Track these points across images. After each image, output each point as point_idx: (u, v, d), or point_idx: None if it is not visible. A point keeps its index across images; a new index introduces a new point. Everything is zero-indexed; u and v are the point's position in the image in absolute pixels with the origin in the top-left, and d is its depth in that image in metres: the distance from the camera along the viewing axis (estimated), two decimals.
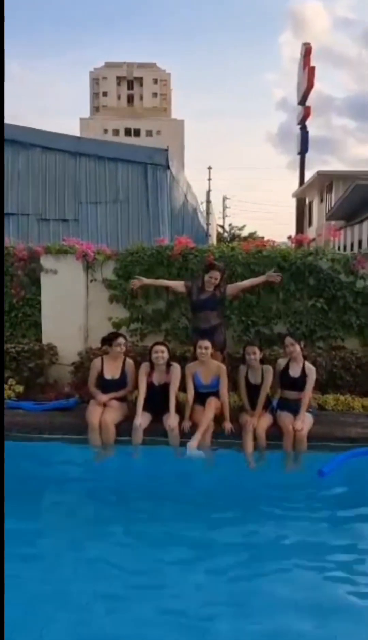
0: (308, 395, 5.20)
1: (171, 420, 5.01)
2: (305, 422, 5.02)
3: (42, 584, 3.28)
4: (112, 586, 3.29)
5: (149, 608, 3.07)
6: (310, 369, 5.26)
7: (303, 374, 5.21)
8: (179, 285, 6.07)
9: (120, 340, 5.43)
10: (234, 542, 3.80)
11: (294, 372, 5.24)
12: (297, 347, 5.19)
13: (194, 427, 5.04)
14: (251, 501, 4.45)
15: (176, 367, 5.32)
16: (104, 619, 2.98)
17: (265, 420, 5.10)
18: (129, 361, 5.50)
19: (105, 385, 5.35)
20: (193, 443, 4.84)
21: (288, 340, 5.24)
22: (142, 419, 5.03)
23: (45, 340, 6.74)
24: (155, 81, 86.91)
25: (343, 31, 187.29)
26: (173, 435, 4.96)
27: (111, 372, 5.41)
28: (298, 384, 5.22)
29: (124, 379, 5.41)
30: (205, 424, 4.95)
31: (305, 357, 5.38)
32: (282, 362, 5.35)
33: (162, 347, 5.29)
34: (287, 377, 5.26)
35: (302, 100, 27.17)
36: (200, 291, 5.81)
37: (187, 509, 4.31)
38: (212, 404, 5.12)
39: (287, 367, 5.28)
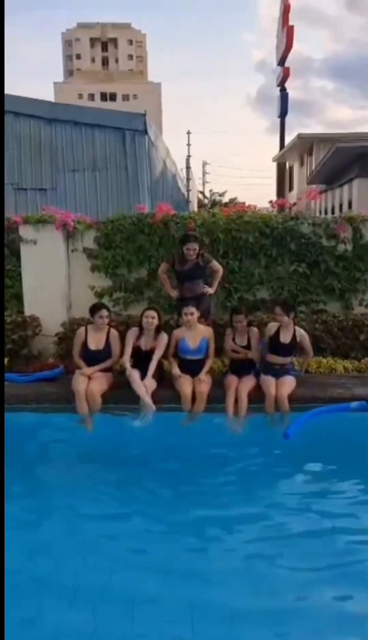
0: (310, 356, 5.48)
1: (146, 380, 5.08)
2: (286, 384, 5.09)
3: (35, 556, 3.37)
4: (104, 550, 3.42)
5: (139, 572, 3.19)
6: (302, 335, 5.30)
7: (294, 340, 5.25)
8: (165, 269, 6.02)
9: (103, 312, 5.39)
10: (206, 502, 4.01)
11: (284, 338, 5.25)
12: (286, 318, 5.19)
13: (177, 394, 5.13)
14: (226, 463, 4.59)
15: (164, 335, 5.36)
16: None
17: (249, 383, 5.17)
18: (113, 332, 5.49)
19: (90, 356, 5.35)
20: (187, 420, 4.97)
21: (278, 310, 5.22)
22: (133, 372, 5.10)
23: (27, 312, 6.69)
24: (131, 42, 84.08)
25: None
26: (142, 397, 4.98)
27: (95, 342, 5.40)
28: (288, 349, 5.27)
29: (108, 350, 5.40)
30: (201, 409, 5.03)
31: (295, 323, 5.41)
32: (272, 327, 5.33)
33: (153, 313, 5.31)
34: (276, 342, 5.27)
35: (281, 61, 26.69)
36: (182, 261, 5.79)
37: (165, 474, 4.44)
38: (204, 387, 5.09)
39: (277, 332, 5.28)
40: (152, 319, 5.26)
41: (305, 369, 5.75)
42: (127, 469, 4.53)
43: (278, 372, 5.21)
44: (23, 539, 3.43)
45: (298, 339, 5.26)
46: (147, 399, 4.94)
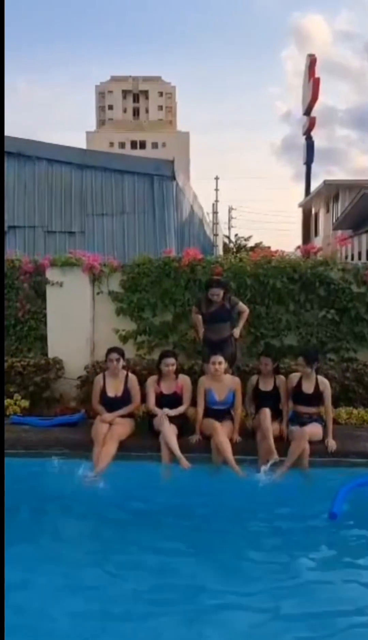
0: (329, 410, 5.17)
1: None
2: (311, 429, 4.95)
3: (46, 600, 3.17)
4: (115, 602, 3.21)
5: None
6: (324, 384, 5.16)
7: (317, 389, 5.12)
8: (197, 318, 5.84)
9: (113, 355, 5.26)
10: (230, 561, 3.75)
11: (307, 387, 5.15)
12: (308, 369, 5.07)
13: (202, 442, 4.99)
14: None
15: (186, 378, 5.32)
16: None
17: (277, 424, 5.10)
18: (132, 377, 5.37)
19: (109, 403, 5.22)
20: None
21: (300, 360, 5.15)
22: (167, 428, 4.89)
23: (51, 354, 6.63)
24: (161, 94, 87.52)
25: (344, 44, 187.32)
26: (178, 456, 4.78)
27: (113, 389, 5.27)
28: (311, 399, 5.14)
29: (127, 396, 5.27)
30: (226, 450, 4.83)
31: (317, 372, 5.26)
32: (294, 377, 5.25)
33: (172, 360, 5.25)
34: (299, 392, 5.17)
35: (307, 111, 27.33)
36: (208, 304, 5.70)
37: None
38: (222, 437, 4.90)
39: (299, 382, 5.18)
40: (171, 366, 5.22)
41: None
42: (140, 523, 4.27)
43: (306, 421, 5.07)
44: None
45: (321, 388, 5.12)
46: (183, 460, 4.74)
